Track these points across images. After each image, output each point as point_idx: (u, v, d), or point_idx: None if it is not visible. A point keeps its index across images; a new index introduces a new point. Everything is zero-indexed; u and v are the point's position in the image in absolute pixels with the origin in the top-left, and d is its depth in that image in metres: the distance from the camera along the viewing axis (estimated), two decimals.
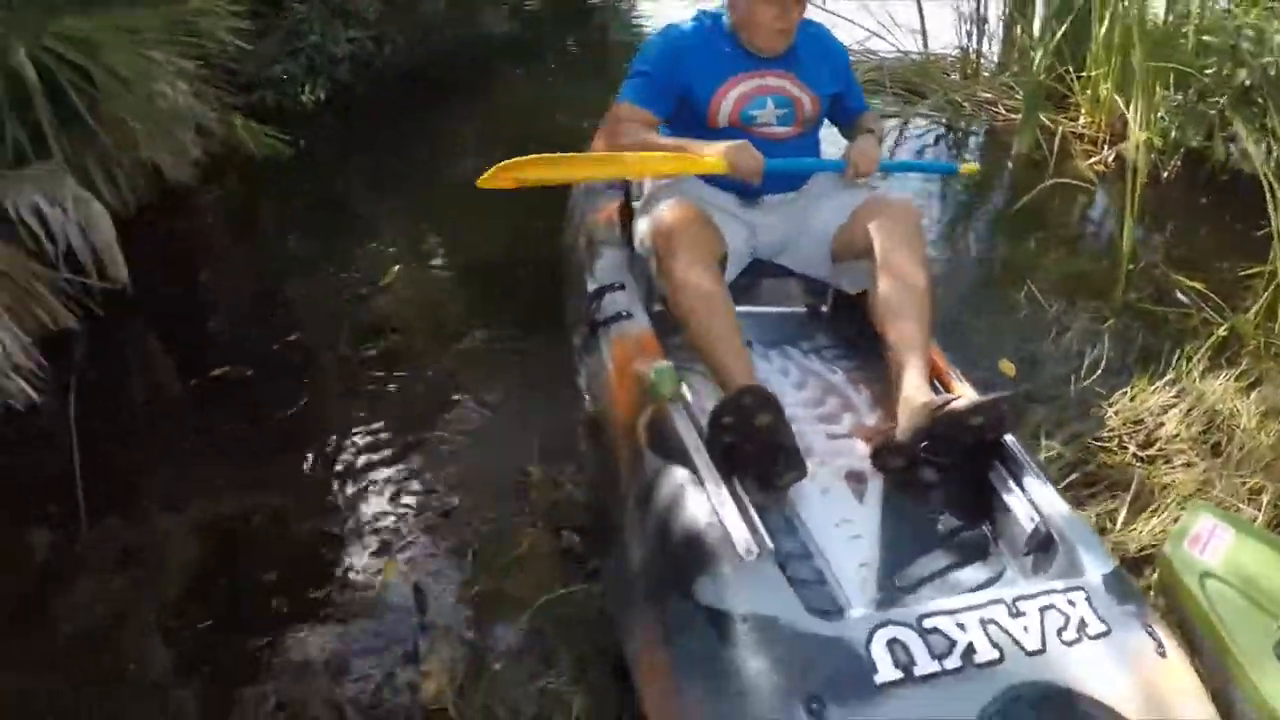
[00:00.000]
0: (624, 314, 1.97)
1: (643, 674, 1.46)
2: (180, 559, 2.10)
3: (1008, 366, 2.71)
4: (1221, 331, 2.76)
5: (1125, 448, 2.35)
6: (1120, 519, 2.09)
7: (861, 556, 1.57)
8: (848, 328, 2.13)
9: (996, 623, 1.27)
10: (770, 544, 1.36)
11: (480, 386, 2.64)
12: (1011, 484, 1.59)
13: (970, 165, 2.19)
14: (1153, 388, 2.55)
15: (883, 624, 1.25)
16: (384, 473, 2.33)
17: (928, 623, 1.26)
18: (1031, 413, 2.44)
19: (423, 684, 1.69)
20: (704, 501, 1.43)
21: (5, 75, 2.80)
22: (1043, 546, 1.50)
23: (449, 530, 2.10)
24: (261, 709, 1.69)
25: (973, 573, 1.54)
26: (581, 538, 2.01)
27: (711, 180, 2.08)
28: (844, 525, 1.62)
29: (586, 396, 2.03)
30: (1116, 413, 2.48)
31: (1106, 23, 4.47)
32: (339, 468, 2.37)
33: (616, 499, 1.68)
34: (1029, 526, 1.51)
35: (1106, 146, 4.54)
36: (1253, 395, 2.50)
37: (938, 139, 4.87)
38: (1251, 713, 1.50)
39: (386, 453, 2.40)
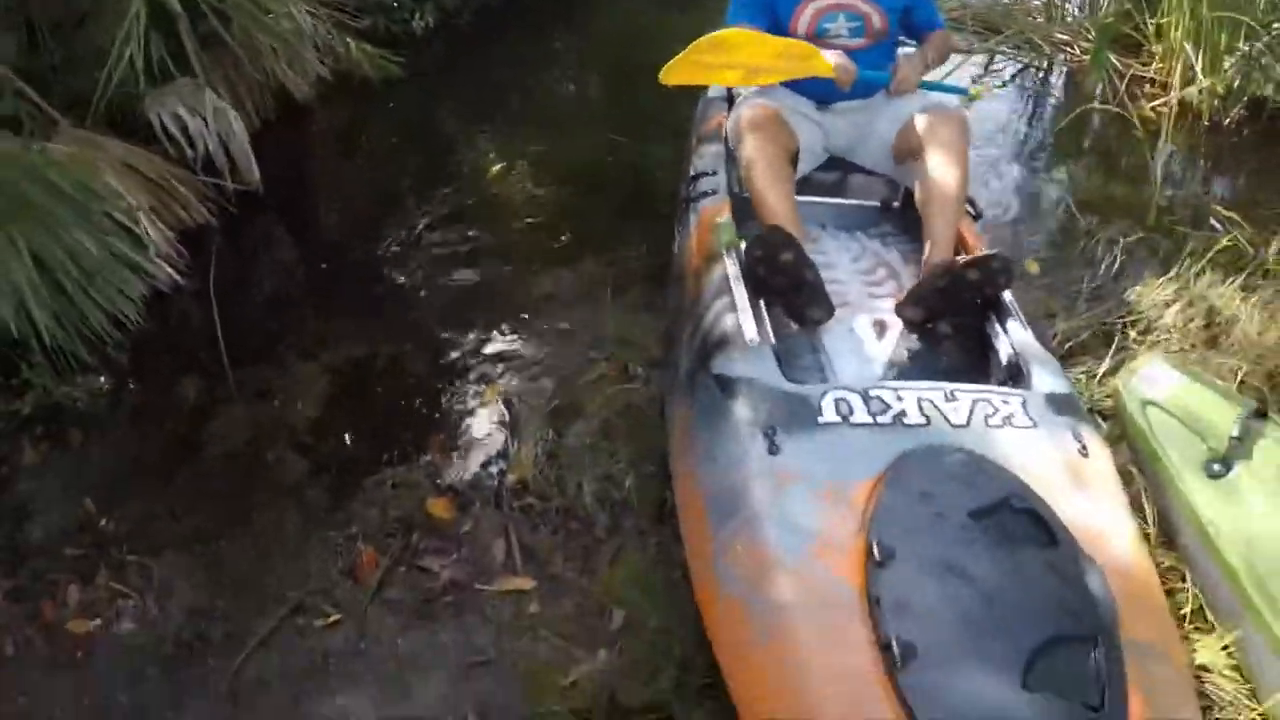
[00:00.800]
0: (711, 191, 2.37)
1: (675, 427, 1.88)
2: (313, 392, 2.54)
3: (1031, 265, 2.99)
4: (1225, 241, 2.96)
5: (1126, 333, 2.60)
6: (1099, 375, 2.36)
7: (867, 377, 1.90)
8: (912, 219, 2.40)
9: (931, 401, 1.58)
10: (772, 339, 1.77)
11: (568, 260, 3.05)
12: (999, 329, 1.90)
13: (978, 88, 2.44)
14: (1158, 283, 2.78)
15: (837, 389, 1.61)
16: (486, 328, 2.74)
17: (873, 393, 1.60)
18: (1048, 301, 2.72)
19: (510, 470, 2.12)
20: (733, 312, 1.82)
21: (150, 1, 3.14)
22: (1014, 374, 1.78)
23: (538, 364, 2.53)
24: (379, 491, 2.13)
25: None
26: (645, 368, 2.41)
27: (793, 87, 2.40)
28: (859, 354, 1.96)
29: (677, 256, 2.42)
30: (1123, 304, 2.73)
31: None
32: (448, 323, 2.79)
33: (681, 322, 2.08)
34: (1006, 360, 1.83)
35: (1174, 92, 4.66)
36: (1254, 299, 2.69)
37: (1010, 78, 5.04)
38: (1180, 519, 1.78)
39: (488, 311, 2.82)
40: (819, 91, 2.39)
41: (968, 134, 2.27)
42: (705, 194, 2.37)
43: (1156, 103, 4.53)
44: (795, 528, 1.40)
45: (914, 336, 1.99)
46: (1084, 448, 1.57)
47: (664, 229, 2.73)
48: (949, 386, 1.63)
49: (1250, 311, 2.65)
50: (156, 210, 3.12)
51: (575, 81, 5.05)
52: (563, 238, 3.22)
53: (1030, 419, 1.59)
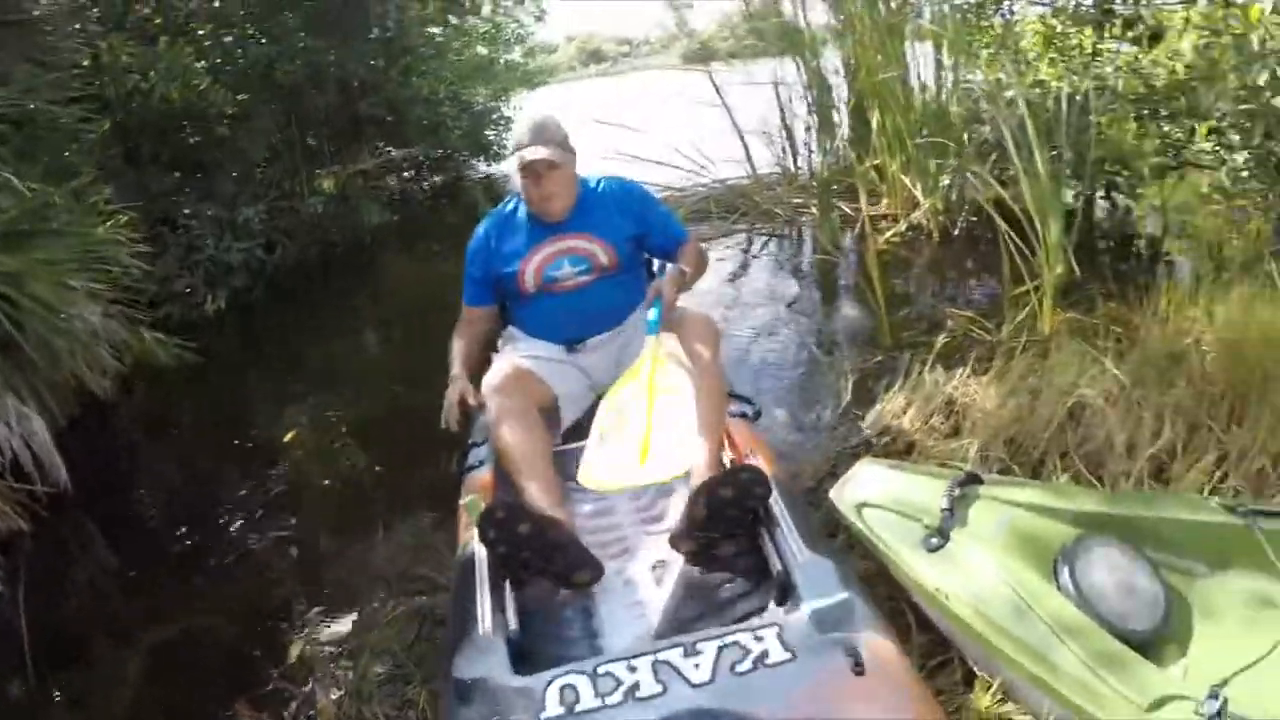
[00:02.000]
0: (479, 463, 2.30)
1: None
2: (128, 678, 2.56)
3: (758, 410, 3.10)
4: (945, 337, 3.33)
5: (871, 447, 2.79)
6: None
7: (642, 634, 1.75)
8: None
9: (669, 663, 1.47)
10: (512, 624, 1.69)
11: (359, 510, 3.23)
12: (770, 543, 1.80)
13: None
14: (890, 395, 3.01)
15: (563, 674, 1.49)
16: (289, 588, 2.86)
17: (601, 669, 1.48)
18: (796, 447, 2.96)
19: (318, 715, 2.18)
20: (474, 602, 1.74)
21: None
22: (786, 592, 1.67)
23: (338, 612, 2.63)
24: None
25: None
26: (430, 596, 2.53)
27: (541, 334, 2.40)
28: (635, 607, 1.83)
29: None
30: (866, 424, 2.95)
31: (878, 113, 5.28)
32: (255, 591, 2.90)
33: (448, 611, 2.02)
34: (777, 577, 1.72)
35: (904, 221, 5.26)
36: (986, 378, 2.94)
37: (762, 247, 5.66)
38: (920, 598, 1.91)
39: (291, 572, 2.98)
40: (565, 336, 2.38)
41: (714, 333, 2.25)
42: (473, 466, 2.29)
43: (890, 234, 5.11)
44: None
45: (695, 570, 1.85)
46: (858, 664, 1.44)
47: (441, 472, 2.80)
48: (691, 639, 1.54)
49: (985, 390, 2.88)
50: None
51: (367, 339, 5.42)
52: (355, 491, 3.43)
53: (788, 651, 1.48)
